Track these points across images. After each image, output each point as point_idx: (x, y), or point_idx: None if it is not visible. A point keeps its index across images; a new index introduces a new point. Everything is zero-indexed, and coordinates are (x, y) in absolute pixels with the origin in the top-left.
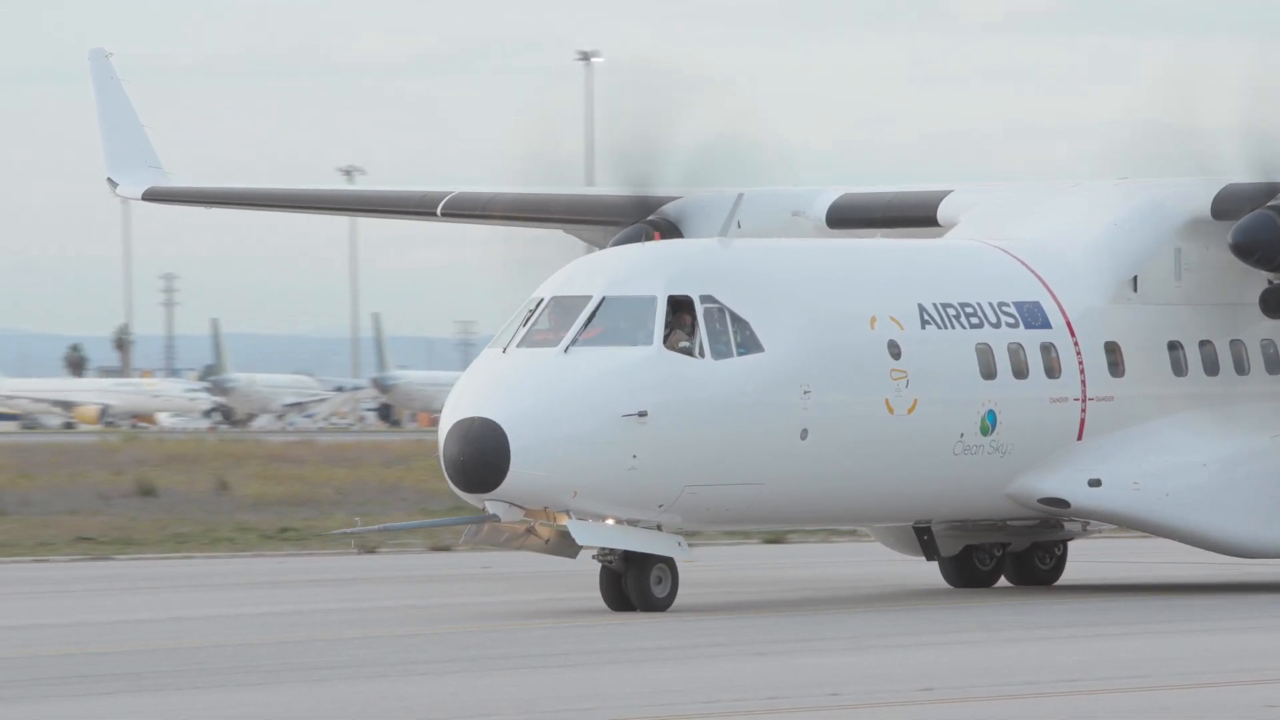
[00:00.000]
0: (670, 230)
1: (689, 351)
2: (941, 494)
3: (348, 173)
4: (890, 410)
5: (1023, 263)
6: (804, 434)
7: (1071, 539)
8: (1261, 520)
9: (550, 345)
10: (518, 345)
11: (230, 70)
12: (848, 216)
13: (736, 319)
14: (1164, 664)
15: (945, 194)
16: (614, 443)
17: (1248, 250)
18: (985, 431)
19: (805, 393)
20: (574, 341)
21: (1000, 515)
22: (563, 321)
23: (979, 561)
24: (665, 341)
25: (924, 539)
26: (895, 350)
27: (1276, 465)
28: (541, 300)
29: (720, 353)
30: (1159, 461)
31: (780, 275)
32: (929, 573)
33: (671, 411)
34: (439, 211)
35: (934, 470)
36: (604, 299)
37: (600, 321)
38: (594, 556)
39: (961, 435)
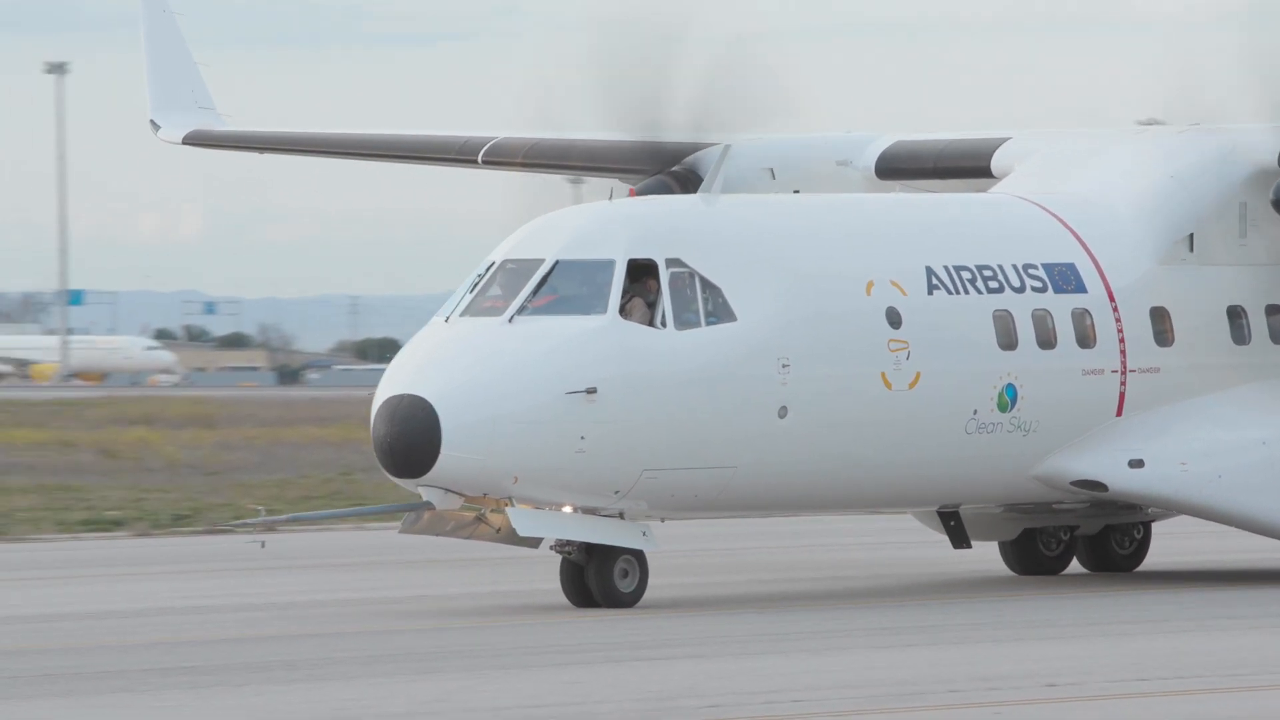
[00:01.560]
0: (694, 183)
1: (649, 321)
2: (953, 476)
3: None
4: (888, 385)
5: (1059, 219)
6: (783, 411)
7: (1153, 520)
8: None
9: (496, 314)
10: (460, 314)
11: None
12: (898, 166)
13: (707, 285)
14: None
15: (1001, 141)
16: (558, 422)
17: None
18: (1004, 407)
19: (784, 366)
20: (520, 310)
21: (1029, 499)
22: (514, 287)
23: (1044, 546)
24: (624, 310)
25: (951, 524)
26: (895, 318)
27: None
28: (492, 264)
29: (687, 322)
30: (1211, 439)
31: (764, 236)
32: (980, 558)
33: (625, 388)
34: (480, 158)
35: (942, 451)
36: (557, 263)
37: (553, 287)
38: (552, 548)
39: (975, 412)
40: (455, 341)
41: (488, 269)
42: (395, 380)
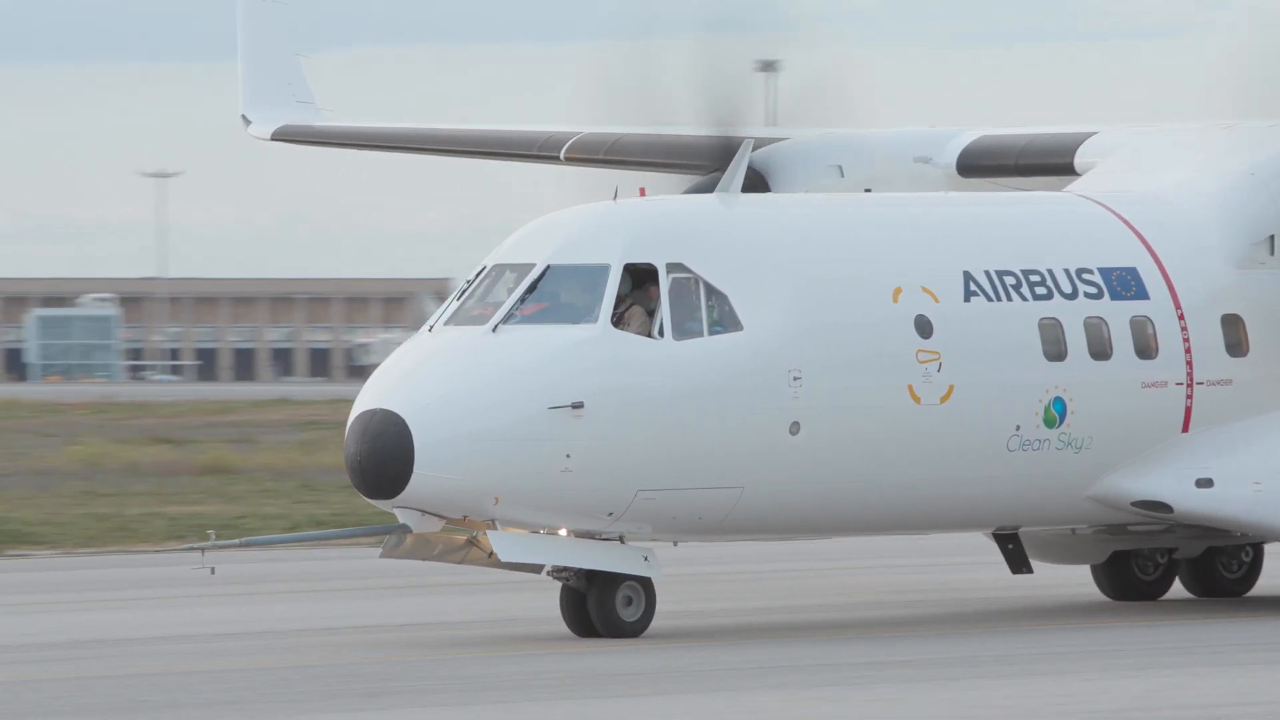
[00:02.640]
0: (756, 183)
1: (646, 331)
2: (994, 497)
3: None
4: (915, 399)
5: (1124, 220)
6: (794, 428)
7: (1263, 541)
8: None
9: (482, 323)
10: (445, 322)
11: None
12: (981, 164)
13: (712, 292)
14: None
15: (1086, 136)
16: (541, 440)
17: None
18: (1051, 423)
19: (795, 379)
20: (506, 318)
21: (1087, 520)
22: (503, 294)
23: (1139, 570)
24: (622, 319)
25: (1009, 547)
26: (925, 327)
27: None
28: (484, 268)
29: (688, 331)
30: None
31: (780, 239)
32: (1065, 581)
33: (615, 402)
34: (562, 155)
35: (979, 470)
36: (548, 268)
37: (543, 294)
38: (547, 573)
39: (1018, 428)
40: (435, 353)
41: (479, 274)
42: (369, 394)
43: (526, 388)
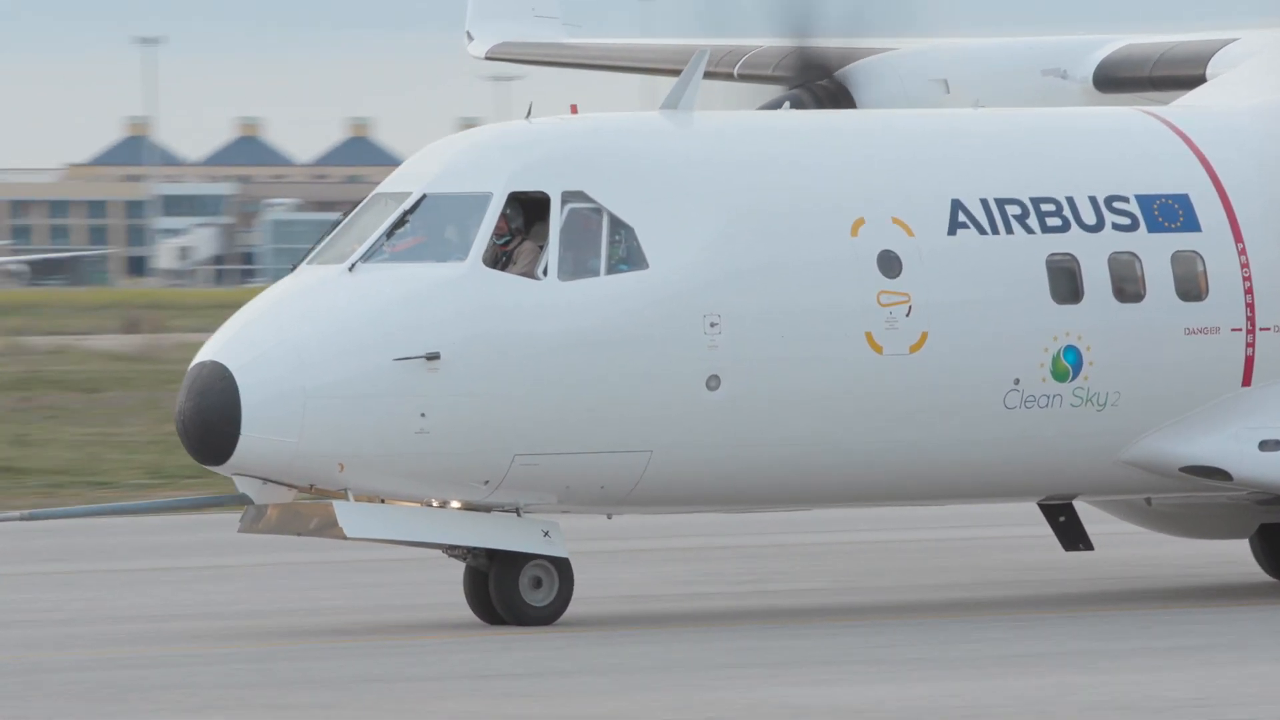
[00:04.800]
0: (840, 98)
1: (530, 271)
2: (989, 462)
3: None
4: (876, 347)
5: (1186, 140)
6: (712, 382)
7: None
8: None
9: (343, 261)
10: (309, 261)
11: None
12: (1117, 76)
13: (618, 225)
14: None
15: (1225, 44)
16: (387, 396)
17: None
18: (1062, 376)
19: (712, 325)
20: (369, 256)
21: (1122, 490)
22: (374, 227)
23: None
24: (513, 257)
25: (1059, 520)
26: (892, 265)
27: None
28: (368, 198)
29: (576, 271)
30: None
31: (717, 162)
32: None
33: (481, 353)
34: (735, 73)
35: (966, 431)
36: (424, 197)
37: (419, 228)
38: (445, 551)
39: (1017, 381)
40: (284, 296)
41: (361, 205)
42: (209, 344)
43: (372, 336)
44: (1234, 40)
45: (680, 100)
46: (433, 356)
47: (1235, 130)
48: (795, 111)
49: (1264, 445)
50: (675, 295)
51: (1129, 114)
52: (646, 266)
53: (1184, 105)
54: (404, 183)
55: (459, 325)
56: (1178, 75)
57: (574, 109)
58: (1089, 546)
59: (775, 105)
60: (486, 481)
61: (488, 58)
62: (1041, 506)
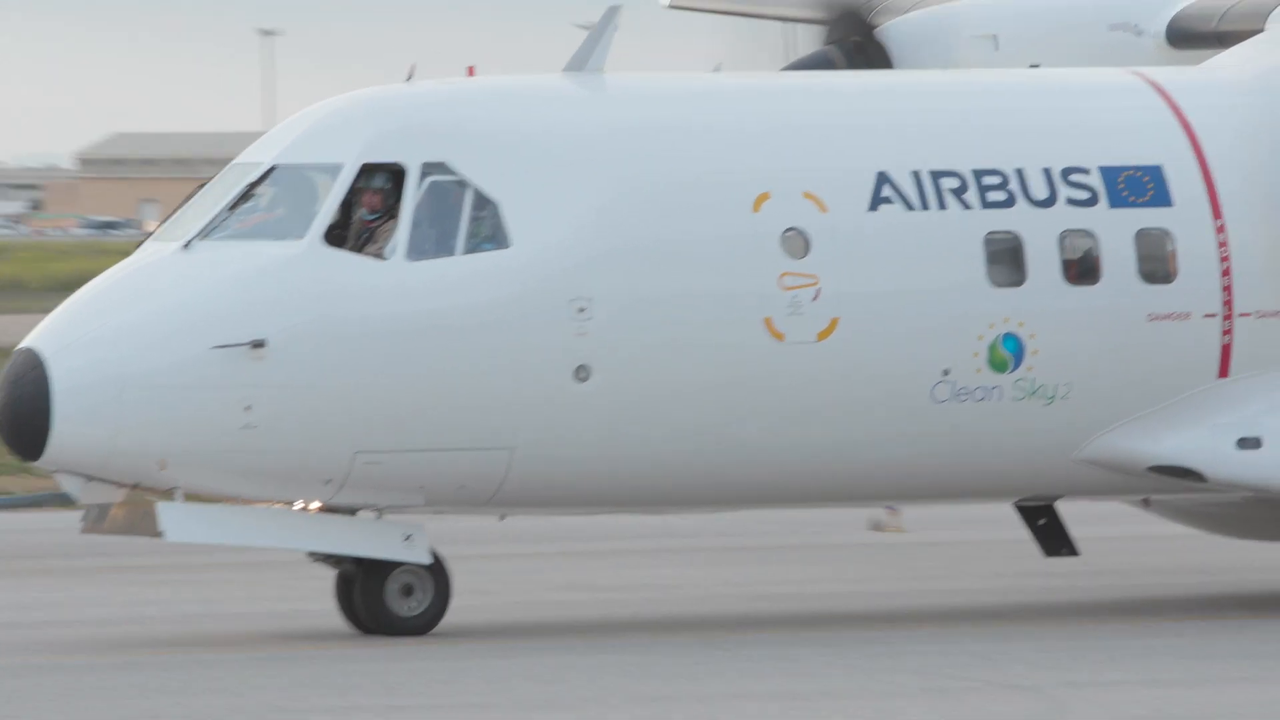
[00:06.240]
0: (879, 61)
1: (379, 251)
2: (917, 461)
3: None
4: (776, 335)
5: (1173, 106)
6: (581, 373)
7: None
8: None
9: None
10: (155, 238)
11: None
12: (1190, 31)
13: (483, 200)
14: None
15: None
16: (208, 387)
17: None
18: (1001, 366)
19: (580, 310)
20: (208, 232)
21: (1084, 491)
22: (220, 201)
23: None
24: (374, 235)
25: (1040, 523)
26: (798, 245)
27: None
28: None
29: (433, 250)
30: None
31: (603, 129)
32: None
33: (314, 341)
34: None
35: (884, 427)
36: (274, 168)
37: (268, 201)
38: (309, 557)
39: (946, 372)
40: (118, 277)
41: (217, 176)
42: (35, 330)
43: (193, 321)
44: None
45: (588, 61)
46: (258, 344)
47: (1230, 95)
48: (725, 73)
49: (1243, 443)
50: (538, 277)
51: (1111, 76)
52: (509, 246)
53: (1205, 67)
54: (259, 152)
55: (288, 310)
56: (1241, 30)
57: (470, 70)
58: (1073, 552)
59: (810, 65)
60: (328, 481)
61: (671, 7)
62: (1019, 509)
